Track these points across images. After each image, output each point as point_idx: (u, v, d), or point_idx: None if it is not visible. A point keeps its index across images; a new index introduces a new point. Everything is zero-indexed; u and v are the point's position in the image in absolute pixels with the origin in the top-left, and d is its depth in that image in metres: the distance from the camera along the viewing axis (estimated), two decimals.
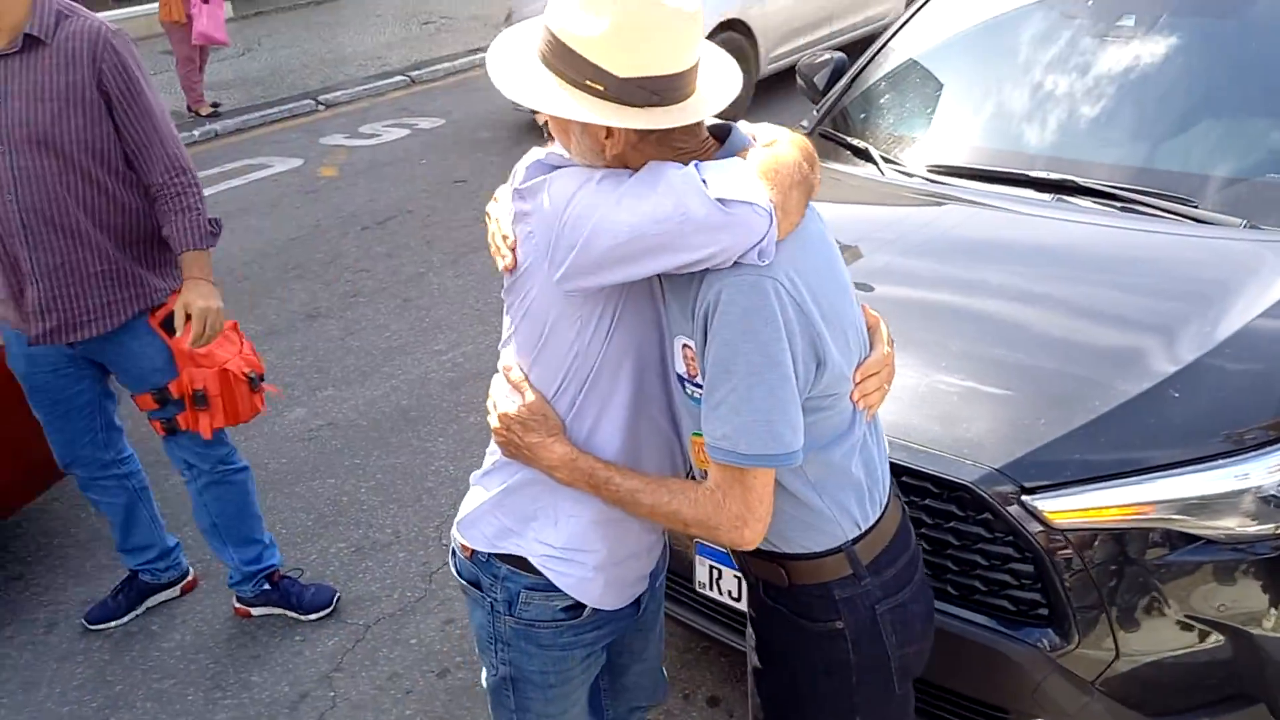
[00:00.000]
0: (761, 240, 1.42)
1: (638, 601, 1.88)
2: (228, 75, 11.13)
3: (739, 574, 2.42)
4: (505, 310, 1.71)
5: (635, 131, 1.50)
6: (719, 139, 1.59)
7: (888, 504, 1.71)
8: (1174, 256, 2.68)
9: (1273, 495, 2.14)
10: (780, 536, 1.64)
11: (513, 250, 1.63)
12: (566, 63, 1.48)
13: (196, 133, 9.29)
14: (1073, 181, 2.93)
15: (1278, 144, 2.94)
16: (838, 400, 1.57)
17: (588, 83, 1.47)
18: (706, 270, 1.47)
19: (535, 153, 1.64)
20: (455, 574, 1.94)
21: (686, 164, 1.49)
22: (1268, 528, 2.14)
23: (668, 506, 1.59)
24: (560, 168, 1.57)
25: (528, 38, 1.57)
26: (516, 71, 1.55)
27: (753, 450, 1.48)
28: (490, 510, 1.79)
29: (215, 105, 9.92)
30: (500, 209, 1.69)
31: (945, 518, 2.23)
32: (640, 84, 1.46)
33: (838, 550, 1.65)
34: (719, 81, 1.57)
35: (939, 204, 3.02)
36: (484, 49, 11.87)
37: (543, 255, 1.56)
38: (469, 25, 13.46)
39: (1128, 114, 3.10)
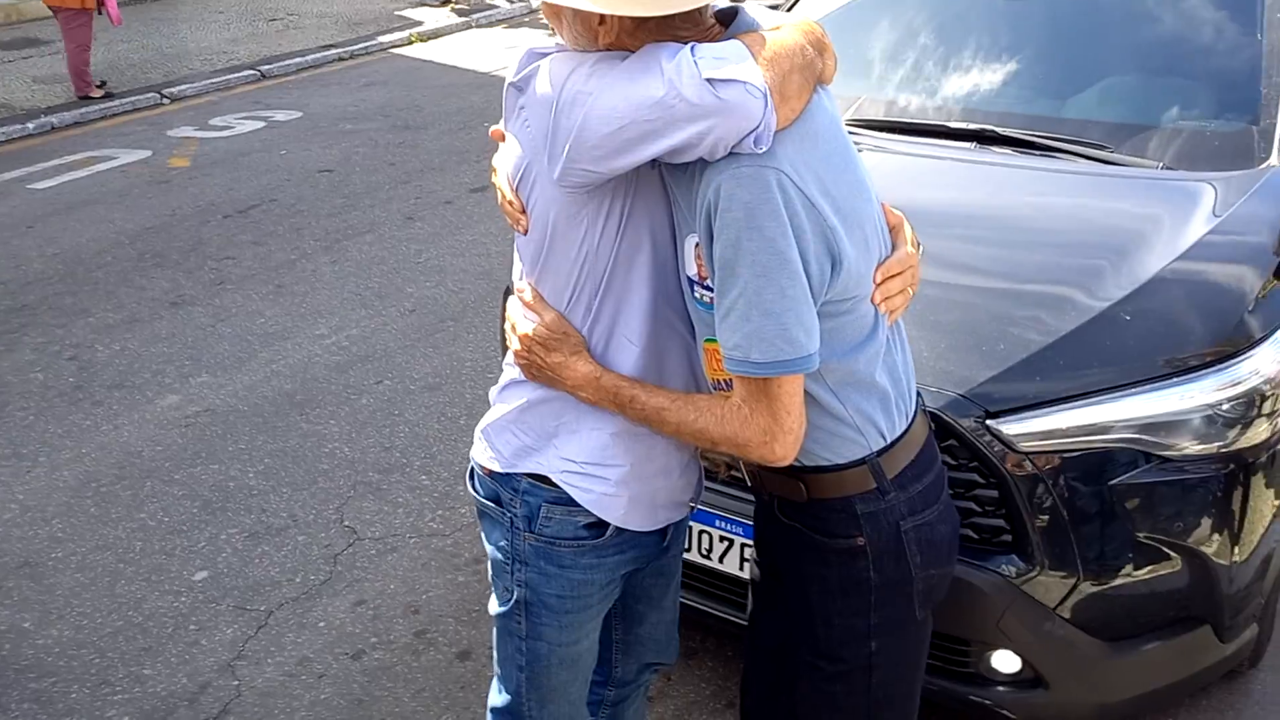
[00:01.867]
0: (758, 126, 1.34)
1: (664, 533, 1.77)
2: (59, 69, 10.46)
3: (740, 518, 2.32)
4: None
5: (631, 18, 1.40)
6: (724, 23, 1.50)
7: (915, 416, 1.64)
8: (1100, 200, 2.73)
9: (1220, 414, 2.19)
10: (801, 448, 1.54)
11: (523, 213, 1.55)
12: None
13: (31, 125, 8.68)
14: (992, 131, 2.97)
15: (1181, 93, 3.05)
16: (858, 303, 1.49)
17: None
18: (705, 164, 1.38)
19: (530, 43, 1.52)
20: (473, 492, 1.81)
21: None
22: (1214, 446, 2.19)
23: (694, 424, 1.50)
24: (552, 54, 1.47)
25: None
26: None
27: (766, 357, 1.40)
28: (509, 426, 1.68)
29: (102, 84, 9.60)
30: (501, 168, 1.61)
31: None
32: None
33: (861, 462, 1.57)
34: None
35: (863, 151, 3.02)
36: (336, 45, 11.56)
37: (541, 147, 1.45)
38: (317, 22, 13.03)
39: (1040, 69, 3.18)
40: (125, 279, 5.63)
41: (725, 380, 1.51)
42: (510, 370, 1.72)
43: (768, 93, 1.34)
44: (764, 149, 1.35)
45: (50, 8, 9.17)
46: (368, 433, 4.11)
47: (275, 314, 5.17)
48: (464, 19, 13.03)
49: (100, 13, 9.16)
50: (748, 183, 1.36)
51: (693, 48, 1.38)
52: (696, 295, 1.51)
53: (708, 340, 1.52)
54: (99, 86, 9.58)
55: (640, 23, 1.41)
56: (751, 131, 1.34)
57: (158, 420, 4.24)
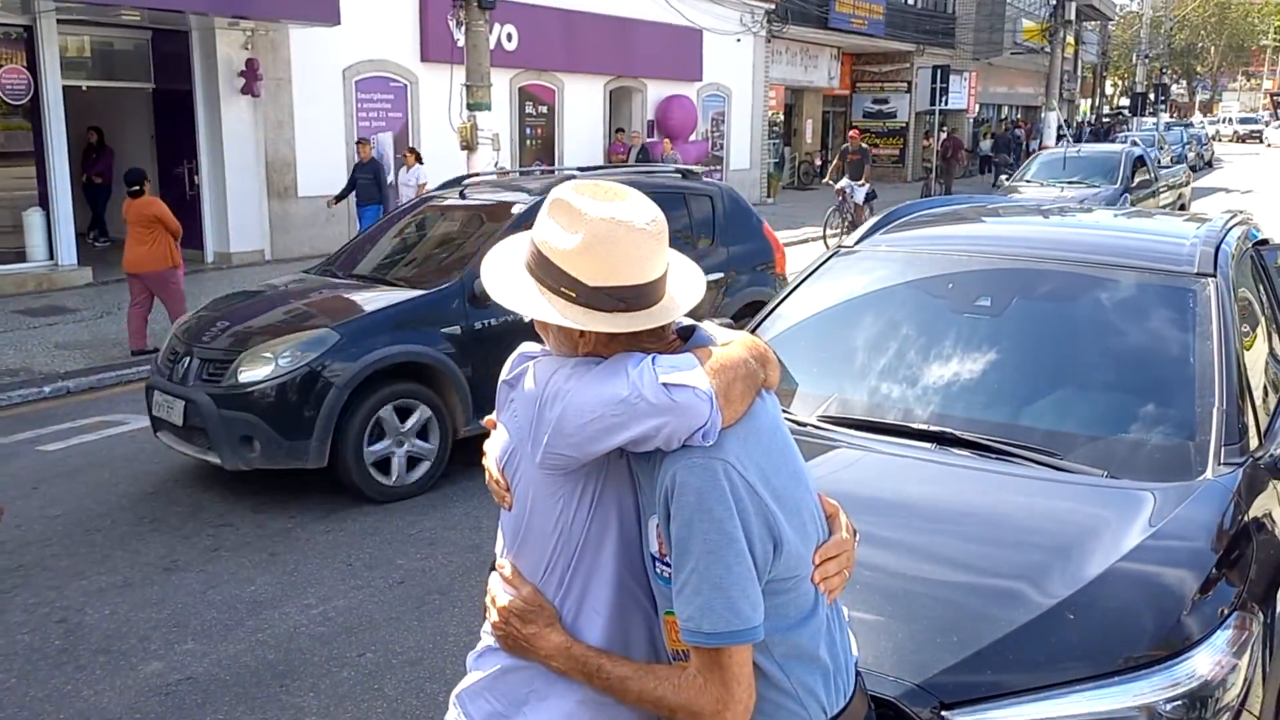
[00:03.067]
0: (705, 424, 1.59)
1: None
2: (81, 335, 10.98)
3: None
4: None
5: (606, 333, 1.67)
6: (684, 338, 1.77)
7: (854, 694, 1.77)
8: (1051, 501, 2.93)
9: (1161, 713, 2.29)
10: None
11: (508, 490, 1.77)
12: (545, 271, 1.68)
13: (47, 389, 9.04)
14: (951, 434, 3.20)
15: (1126, 408, 3.31)
16: (799, 582, 1.67)
17: (562, 290, 1.66)
18: (663, 454, 1.61)
19: (522, 347, 1.79)
20: None
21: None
22: None
23: (654, 693, 1.63)
24: (538, 358, 1.74)
25: (516, 250, 1.75)
26: (505, 278, 1.73)
27: (715, 629, 1.57)
28: (483, 691, 1.83)
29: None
30: (491, 451, 1.85)
31: None
32: (609, 292, 1.65)
33: None
34: (684, 288, 1.77)
35: (833, 447, 3.24)
36: None
37: (525, 435, 1.68)
38: None
39: (998, 379, 3.46)
40: (122, 543, 5.75)
41: (684, 651, 1.66)
42: (488, 638, 1.87)
43: (713, 396, 1.60)
44: (711, 443, 1.59)
45: (134, 274, 9.95)
46: (346, 706, 4.12)
47: (266, 581, 5.26)
48: None
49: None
50: (699, 471, 1.59)
51: (654, 358, 1.66)
52: (658, 571, 1.69)
53: (667, 613, 1.68)
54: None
55: (613, 336, 1.69)
56: (700, 428, 1.59)
57: (139, 688, 4.26)
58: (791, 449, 1.75)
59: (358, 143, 14.62)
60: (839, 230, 17.83)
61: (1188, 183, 22.74)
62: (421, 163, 14.50)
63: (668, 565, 1.64)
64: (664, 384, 1.59)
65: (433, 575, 5.33)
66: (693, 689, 1.60)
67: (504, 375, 1.81)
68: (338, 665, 4.43)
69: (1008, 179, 18.82)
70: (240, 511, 6.25)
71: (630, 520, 1.75)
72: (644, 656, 1.75)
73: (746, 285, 8.79)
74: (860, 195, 18.22)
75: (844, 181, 18.32)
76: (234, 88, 14.80)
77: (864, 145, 19.17)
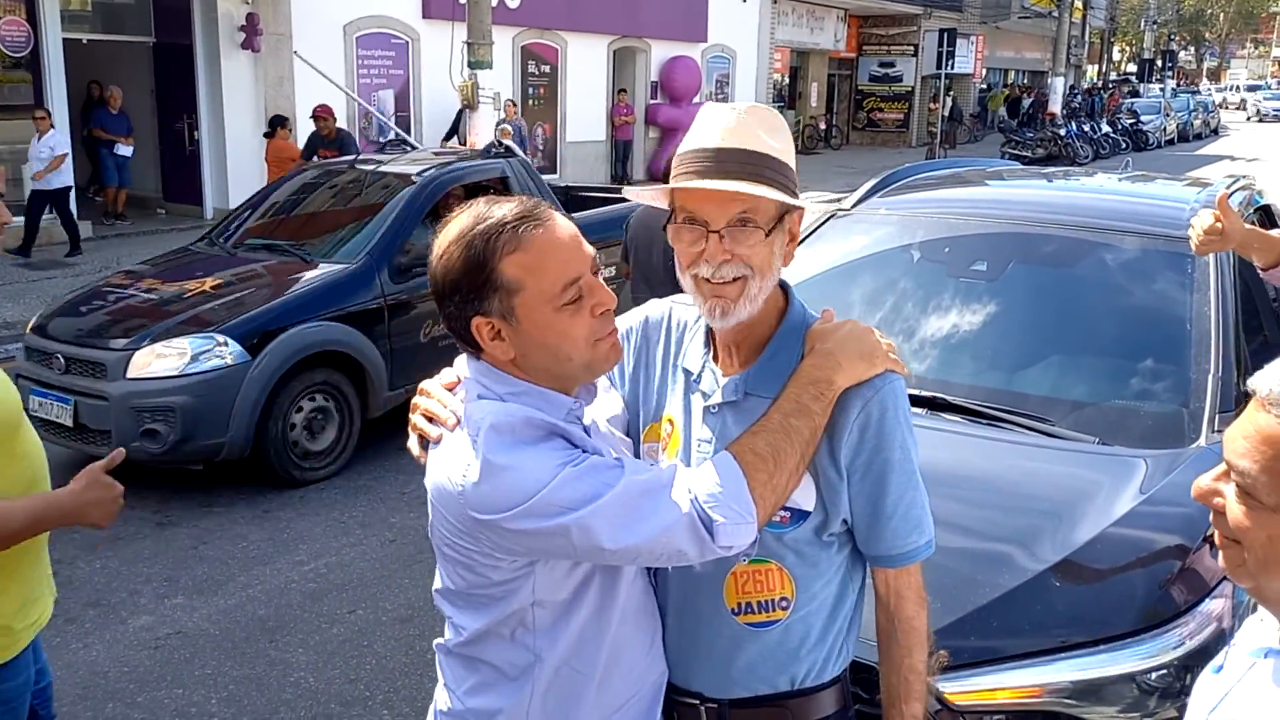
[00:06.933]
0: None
1: None
2: None
3: None
4: None
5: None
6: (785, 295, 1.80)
7: None
8: (1042, 467, 2.90)
9: (1146, 683, 2.27)
10: (820, 664, 1.73)
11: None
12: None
13: None
14: (944, 399, 3.17)
15: (1120, 375, 3.28)
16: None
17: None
18: None
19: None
20: None
21: None
22: (1139, 715, 2.26)
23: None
24: None
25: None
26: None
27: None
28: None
29: None
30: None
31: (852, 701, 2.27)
32: None
33: (838, 680, 1.76)
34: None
35: None
36: None
37: None
38: None
39: (992, 345, 3.42)
40: None
41: (745, 605, 1.69)
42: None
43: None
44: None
45: None
46: (335, 662, 4.12)
47: (258, 538, 5.26)
48: None
49: None
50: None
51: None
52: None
53: (757, 560, 1.68)
54: None
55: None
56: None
57: (128, 641, 4.26)
58: None
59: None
60: None
61: None
62: (54, 128, 12.06)
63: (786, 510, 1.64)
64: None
65: (425, 534, 5.28)
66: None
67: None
68: (328, 622, 4.44)
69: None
70: (234, 468, 6.23)
71: None
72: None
73: None
74: None
75: None
76: (234, 42, 14.64)
77: None
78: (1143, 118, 32.04)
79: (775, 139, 1.63)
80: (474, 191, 6.81)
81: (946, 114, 26.33)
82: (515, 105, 16.63)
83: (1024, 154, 24.62)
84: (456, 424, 1.57)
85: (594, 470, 1.51)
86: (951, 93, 27.53)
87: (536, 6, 18.74)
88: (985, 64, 35.85)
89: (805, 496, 1.65)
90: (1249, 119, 50.68)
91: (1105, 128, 28.59)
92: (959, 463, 2.93)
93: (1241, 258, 3.15)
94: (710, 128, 1.62)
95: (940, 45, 25.24)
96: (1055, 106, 29.88)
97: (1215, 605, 2.40)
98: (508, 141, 10.50)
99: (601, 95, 21.20)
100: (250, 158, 14.84)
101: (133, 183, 15.00)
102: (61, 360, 5.80)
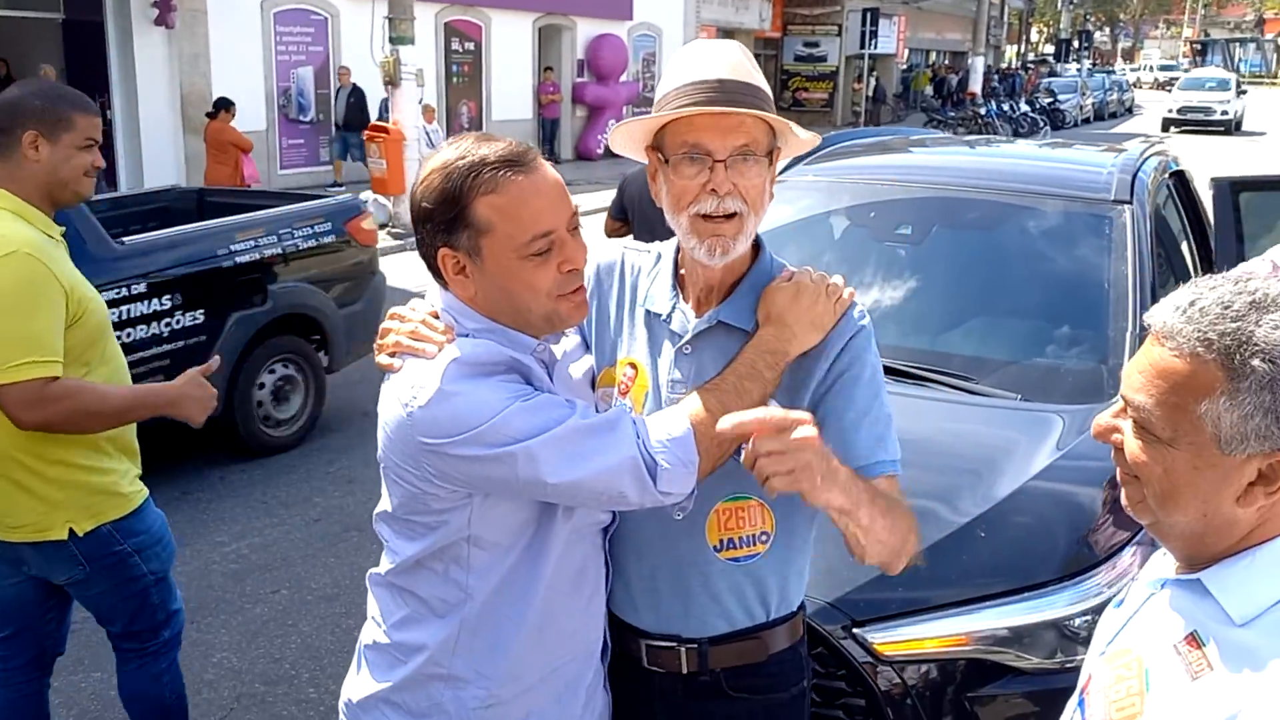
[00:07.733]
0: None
1: None
2: None
3: None
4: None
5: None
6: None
7: None
8: (963, 425, 2.93)
9: (1071, 629, 2.31)
10: (789, 594, 1.75)
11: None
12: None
13: None
14: None
15: (1040, 334, 3.32)
16: None
17: None
18: None
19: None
20: None
21: None
22: (1066, 659, 2.30)
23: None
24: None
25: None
26: None
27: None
28: (380, 703, 1.70)
29: None
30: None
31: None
32: None
33: (801, 607, 1.80)
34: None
35: None
36: None
37: None
38: None
39: (916, 306, 3.44)
40: None
41: (727, 539, 1.69)
42: (379, 632, 1.73)
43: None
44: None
45: None
46: (258, 642, 4.04)
47: (177, 520, 5.09)
48: (399, 241, 13.50)
49: None
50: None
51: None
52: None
53: (735, 497, 1.69)
54: None
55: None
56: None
57: None
58: None
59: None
60: None
61: None
62: None
63: None
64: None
65: (350, 512, 5.23)
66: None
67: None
68: (250, 602, 4.34)
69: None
70: (151, 448, 6.05)
71: None
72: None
73: None
74: None
75: None
76: (147, 18, 14.20)
77: None
78: (1060, 97, 32.71)
79: (760, 76, 1.65)
80: None
81: (870, 94, 26.59)
82: (434, 109, 16.14)
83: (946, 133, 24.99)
84: (437, 353, 1.56)
85: (546, 406, 1.52)
86: (875, 73, 27.79)
87: None
88: (908, 44, 36.31)
89: None
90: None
91: (1024, 107, 29.12)
92: None
93: (1158, 219, 3.21)
94: (710, 60, 1.62)
95: (864, 25, 25.47)
96: (975, 86, 30.34)
97: (1134, 552, 2.44)
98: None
99: (527, 73, 21.03)
100: (166, 138, 14.47)
101: None
102: None
